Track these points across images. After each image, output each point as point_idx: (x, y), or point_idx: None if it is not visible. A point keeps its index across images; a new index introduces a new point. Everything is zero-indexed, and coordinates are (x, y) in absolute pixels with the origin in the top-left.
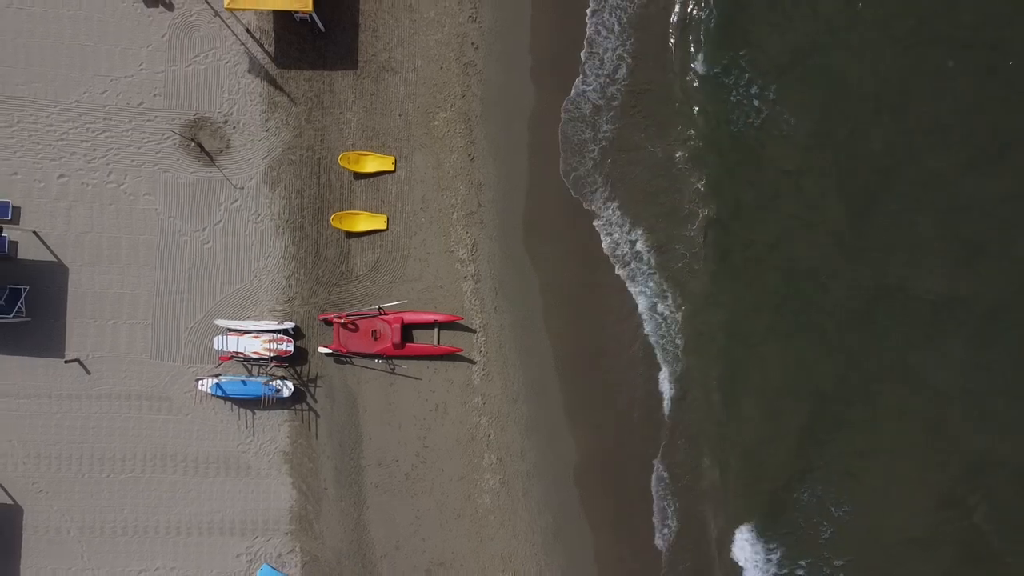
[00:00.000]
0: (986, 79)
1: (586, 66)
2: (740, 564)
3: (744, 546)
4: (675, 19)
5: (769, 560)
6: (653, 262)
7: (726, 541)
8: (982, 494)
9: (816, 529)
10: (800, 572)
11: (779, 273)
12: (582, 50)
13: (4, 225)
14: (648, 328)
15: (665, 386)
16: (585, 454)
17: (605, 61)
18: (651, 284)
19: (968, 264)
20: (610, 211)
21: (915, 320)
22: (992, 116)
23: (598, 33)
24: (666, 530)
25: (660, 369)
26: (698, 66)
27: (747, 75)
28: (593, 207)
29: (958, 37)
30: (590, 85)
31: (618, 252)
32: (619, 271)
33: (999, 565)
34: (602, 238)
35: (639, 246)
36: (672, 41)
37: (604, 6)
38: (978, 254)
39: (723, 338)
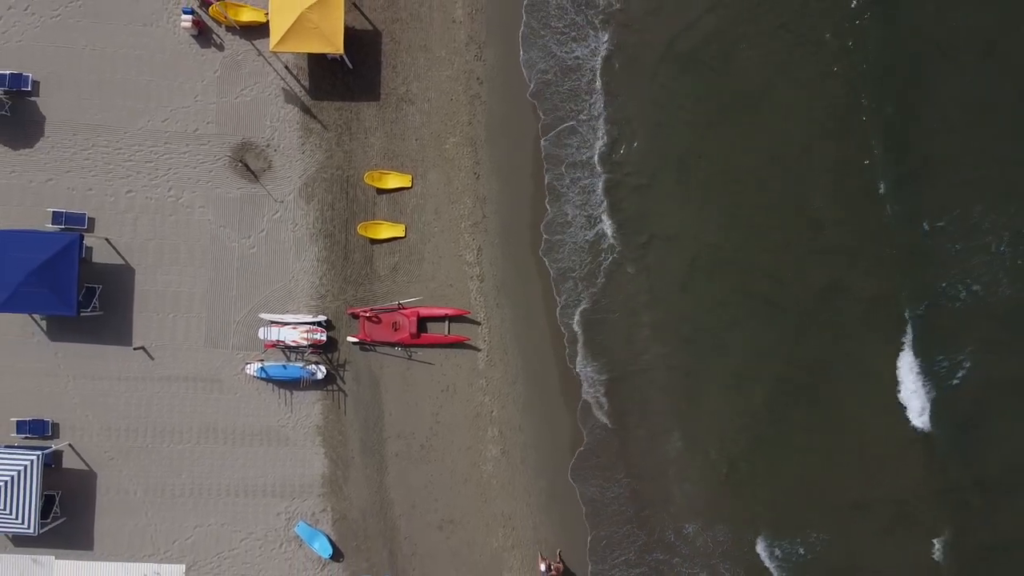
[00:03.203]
0: (925, 105)
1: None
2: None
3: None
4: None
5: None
6: (630, 266)
7: (691, 508)
8: (916, 466)
9: (766, 500)
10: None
11: (743, 273)
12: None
13: (83, 233)
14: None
15: (644, 371)
16: (573, 428)
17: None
18: (630, 284)
19: (904, 266)
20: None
21: (857, 314)
22: (925, 137)
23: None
24: (644, 487)
25: (639, 357)
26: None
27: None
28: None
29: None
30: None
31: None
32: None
33: (929, 530)
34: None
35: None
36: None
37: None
38: (913, 258)
39: (689, 330)
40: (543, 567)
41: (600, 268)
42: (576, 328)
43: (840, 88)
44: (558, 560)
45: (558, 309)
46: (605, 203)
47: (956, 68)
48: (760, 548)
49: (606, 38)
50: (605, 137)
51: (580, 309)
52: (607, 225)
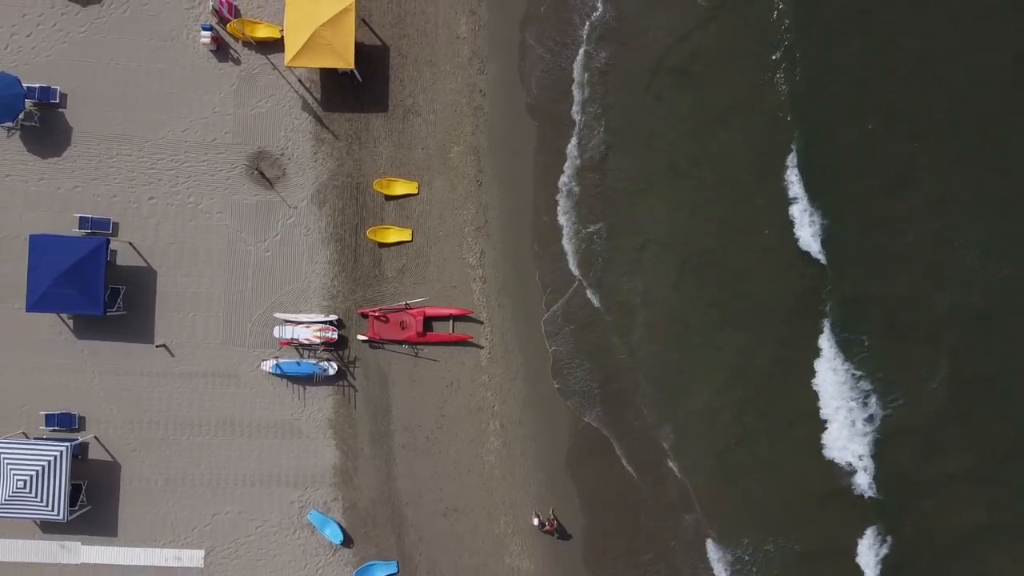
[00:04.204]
0: (897, 121)
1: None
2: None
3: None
4: None
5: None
6: (624, 270)
7: (684, 497)
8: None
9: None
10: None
11: (729, 275)
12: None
13: (108, 237)
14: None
15: (632, 365)
16: (571, 421)
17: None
18: (624, 288)
19: (878, 270)
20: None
21: (834, 314)
22: (901, 149)
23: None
24: (635, 480)
25: (629, 355)
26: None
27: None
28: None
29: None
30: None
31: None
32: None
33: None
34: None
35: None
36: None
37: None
38: (889, 262)
39: (679, 328)
40: (536, 522)
41: (595, 271)
42: (565, 332)
43: (823, 101)
44: (551, 516)
45: (544, 313)
46: (601, 209)
47: (935, 82)
48: (749, 542)
49: (602, 52)
50: (602, 146)
51: (574, 311)
52: (604, 230)
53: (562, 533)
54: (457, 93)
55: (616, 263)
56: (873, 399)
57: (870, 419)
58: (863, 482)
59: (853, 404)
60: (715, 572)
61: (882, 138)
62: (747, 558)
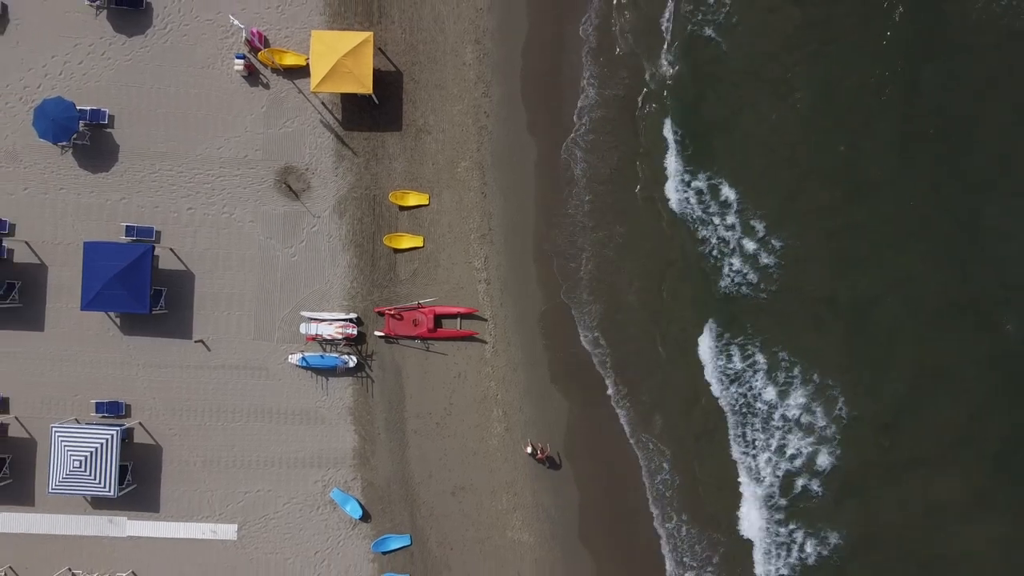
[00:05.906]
0: (868, 135)
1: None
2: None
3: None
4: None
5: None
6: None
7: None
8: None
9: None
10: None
11: (707, 276)
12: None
13: (152, 243)
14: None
15: (622, 360)
16: (566, 409)
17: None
18: (616, 289)
19: (847, 271)
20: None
21: (807, 313)
22: (867, 161)
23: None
24: (631, 454)
25: (620, 351)
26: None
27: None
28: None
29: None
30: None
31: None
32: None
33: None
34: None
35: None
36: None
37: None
38: (855, 263)
39: (664, 325)
40: (528, 450)
41: (588, 274)
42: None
43: (797, 120)
44: (543, 446)
45: (541, 310)
46: (596, 216)
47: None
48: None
49: (595, 76)
50: (595, 161)
51: (569, 310)
52: (598, 236)
53: (552, 463)
54: (464, 114)
55: (607, 266)
56: (838, 396)
57: (836, 419)
58: (821, 473)
59: (813, 402)
60: (705, 555)
61: (851, 152)
62: (741, 540)
